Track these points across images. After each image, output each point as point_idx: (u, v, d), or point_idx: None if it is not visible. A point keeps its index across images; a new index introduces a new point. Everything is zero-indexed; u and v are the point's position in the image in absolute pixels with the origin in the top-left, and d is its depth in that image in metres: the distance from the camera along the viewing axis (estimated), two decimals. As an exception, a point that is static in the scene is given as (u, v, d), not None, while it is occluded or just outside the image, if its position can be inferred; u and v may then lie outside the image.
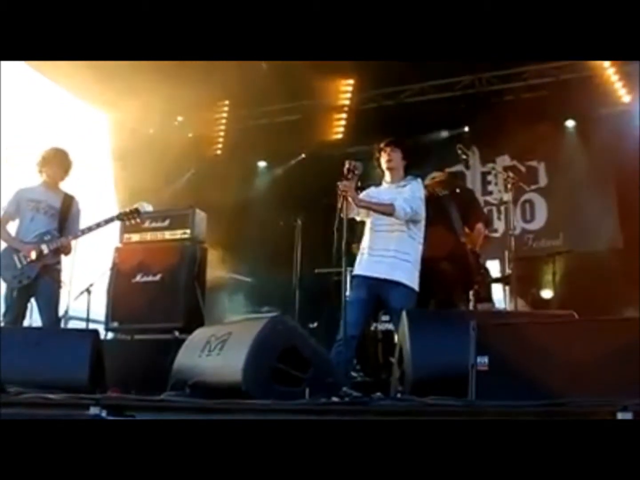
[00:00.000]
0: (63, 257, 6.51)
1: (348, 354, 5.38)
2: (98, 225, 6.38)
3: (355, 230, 5.83)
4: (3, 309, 6.31)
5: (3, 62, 7.22)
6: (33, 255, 6.17)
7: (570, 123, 9.96)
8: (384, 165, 5.83)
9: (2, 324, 6.23)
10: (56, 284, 6.44)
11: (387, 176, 5.86)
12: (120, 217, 6.51)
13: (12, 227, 6.45)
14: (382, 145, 5.82)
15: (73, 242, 6.52)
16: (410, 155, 5.88)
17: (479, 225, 6.56)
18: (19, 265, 6.21)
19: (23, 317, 6.39)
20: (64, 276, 6.61)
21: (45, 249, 6.23)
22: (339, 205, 5.31)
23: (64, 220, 6.45)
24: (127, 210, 6.55)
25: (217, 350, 4.61)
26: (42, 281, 6.26)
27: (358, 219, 5.62)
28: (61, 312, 6.87)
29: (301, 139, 11.00)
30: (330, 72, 9.52)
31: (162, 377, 5.10)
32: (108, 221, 6.45)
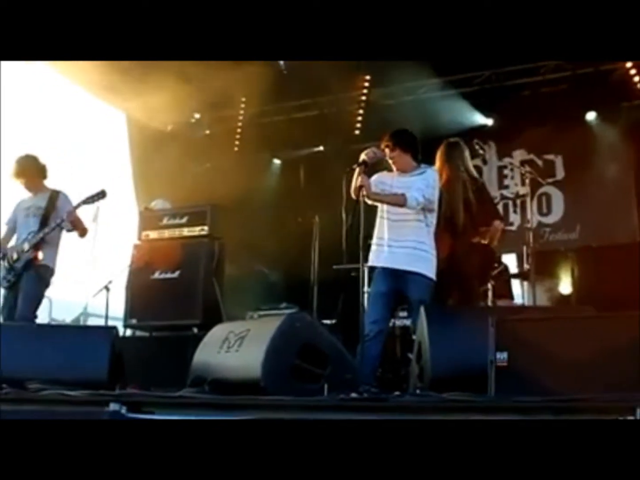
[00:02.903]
0: (83, 257, 6.61)
1: (375, 350, 5.37)
2: (68, 213, 6.45)
3: (373, 225, 5.80)
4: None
5: (20, 64, 7.26)
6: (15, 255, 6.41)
7: (590, 116, 9.87)
8: (391, 166, 5.82)
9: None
10: (40, 280, 6.54)
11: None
12: (85, 201, 6.51)
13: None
14: (382, 147, 5.78)
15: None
16: (410, 144, 5.83)
17: (497, 223, 6.44)
18: (7, 266, 6.47)
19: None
20: (83, 275, 6.66)
21: (26, 246, 6.42)
22: (354, 195, 5.37)
23: (47, 216, 6.57)
24: (94, 193, 6.53)
25: (236, 347, 4.62)
26: (25, 276, 6.44)
27: (369, 202, 5.58)
28: (80, 310, 6.91)
29: (318, 135, 10.99)
30: (347, 68, 9.47)
31: (180, 373, 5.12)
32: (76, 207, 6.51)
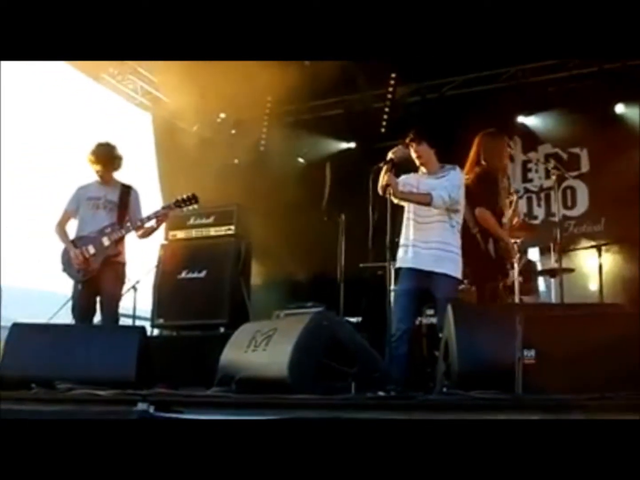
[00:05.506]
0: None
1: (402, 349, 5.38)
2: (156, 214, 6.47)
3: (399, 224, 5.79)
4: (72, 306, 6.40)
5: (49, 66, 7.28)
6: (79, 257, 6.24)
7: (618, 109, 9.74)
8: (415, 161, 5.79)
9: (72, 321, 6.32)
10: (120, 280, 6.54)
11: (422, 168, 5.82)
12: (177, 204, 6.54)
13: (73, 225, 6.55)
14: (407, 142, 5.77)
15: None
16: (436, 141, 5.82)
17: (477, 210, 6.22)
18: (81, 258, 6.27)
19: (93, 312, 6.45)
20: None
21: (105, 241, 6.30)
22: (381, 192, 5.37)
23: (123, 212, 6.50)
24: (185, 196, 6.58)
25: (263, 346, 4.63)
26: (105, 277, 6.33)
27: (395, 201, 5.57)
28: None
29: (344, 134, 11.00)
30: (372, 66, 9.46)
31: (208, 372, 5.14)
32: (166, 209, 6.54)
